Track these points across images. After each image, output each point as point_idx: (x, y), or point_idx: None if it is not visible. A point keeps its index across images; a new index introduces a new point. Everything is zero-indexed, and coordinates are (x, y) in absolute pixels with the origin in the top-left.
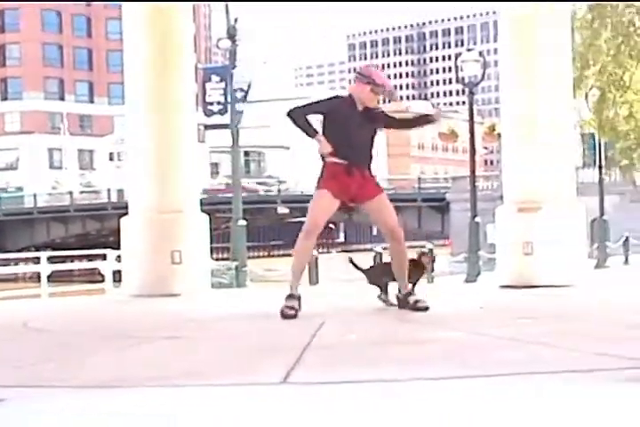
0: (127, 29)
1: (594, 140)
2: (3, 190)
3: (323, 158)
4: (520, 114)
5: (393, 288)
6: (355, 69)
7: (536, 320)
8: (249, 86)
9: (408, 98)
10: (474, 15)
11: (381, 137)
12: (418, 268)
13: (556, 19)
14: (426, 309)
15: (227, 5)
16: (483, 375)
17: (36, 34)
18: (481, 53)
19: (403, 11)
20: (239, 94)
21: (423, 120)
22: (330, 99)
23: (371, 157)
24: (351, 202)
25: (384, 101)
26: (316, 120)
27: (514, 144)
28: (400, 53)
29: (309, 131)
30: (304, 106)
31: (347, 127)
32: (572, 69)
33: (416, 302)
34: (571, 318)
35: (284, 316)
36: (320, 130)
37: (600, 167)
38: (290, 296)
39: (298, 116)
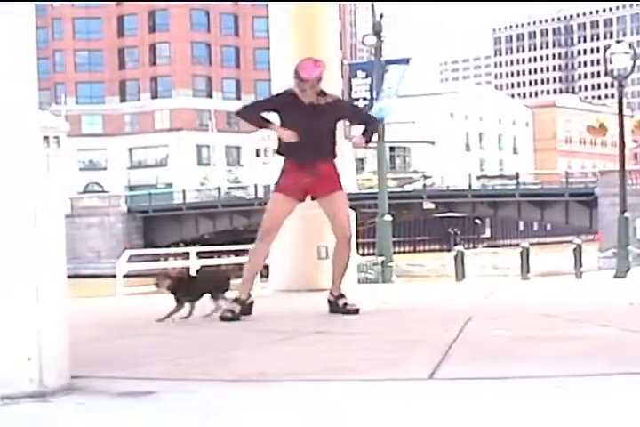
0: (273, 27)
1: None
2: (153, 187)
3: (280, 154)
4: None
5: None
6: (500, 64)
7: None
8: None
9: (555, 92)
10: (623, 6)
11: (527, 131)
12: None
13: None
14: (356, 311)
15: (372, 2)
16: (633, 373)
17: (184, 33)
18: (631, 45)
19: (550, 2)
20: (389, 92)
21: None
22: (278, 95)
23: (329, 152)
24: (308, 196)
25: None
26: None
27: None
28: (547, 47)
29: (263, 124)
30: (252, 104)
31: (295, 123)
32: None
33: (346, 304)
34: None
35: (222, 318)
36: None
37: None
38: (235, 300)
39: (246, 114)
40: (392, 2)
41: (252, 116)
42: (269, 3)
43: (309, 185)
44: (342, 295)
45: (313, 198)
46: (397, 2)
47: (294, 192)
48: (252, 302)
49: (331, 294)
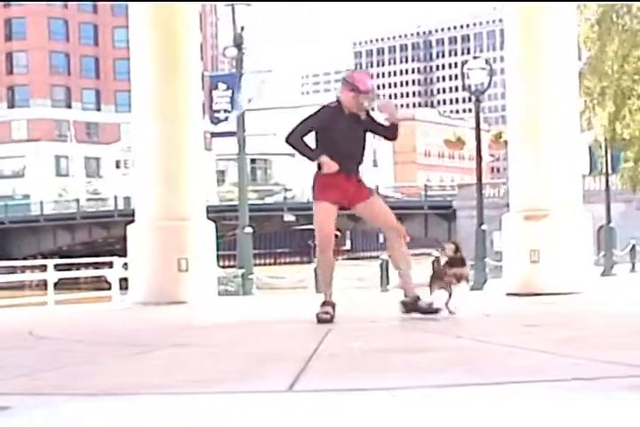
0: (134, 37)
1: (601, 148)
2: (9, 198)
3: (318, 167)
4: (525, 121)
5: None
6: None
7: (542, 328)
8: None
9: (414, 105)
10: (480, 23)
11: (387, 144)
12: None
13: (560, 22)
14: (436, 311)
15: (233, 14)
16: (488, 383)
17: (42, 42)
18: (487, 61)
19: (409, 18)
20: (245, 102)
21: (394, 128)
22: (318, 112)
23: (362, 161)
24: (348, 205)
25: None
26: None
27: (519, 151)
28: (406, 61)
29: (311, 154)
30: (297, 128)
31: (338, 136)
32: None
33: (430, 303)
34: (577, 325)
35: (320, 320)
36: (313, 143)
37: (607, 175)
38: (324, 303)
39: (296, 141)
40: (250, 0)
41: (299, 142)
42: (130, 12)
43: (351, 194)
44: (419, 297)
45: (347, 208)
46: (256, 1)
47: (339, 201)
48: (334, 304)
49: (405, 296)
